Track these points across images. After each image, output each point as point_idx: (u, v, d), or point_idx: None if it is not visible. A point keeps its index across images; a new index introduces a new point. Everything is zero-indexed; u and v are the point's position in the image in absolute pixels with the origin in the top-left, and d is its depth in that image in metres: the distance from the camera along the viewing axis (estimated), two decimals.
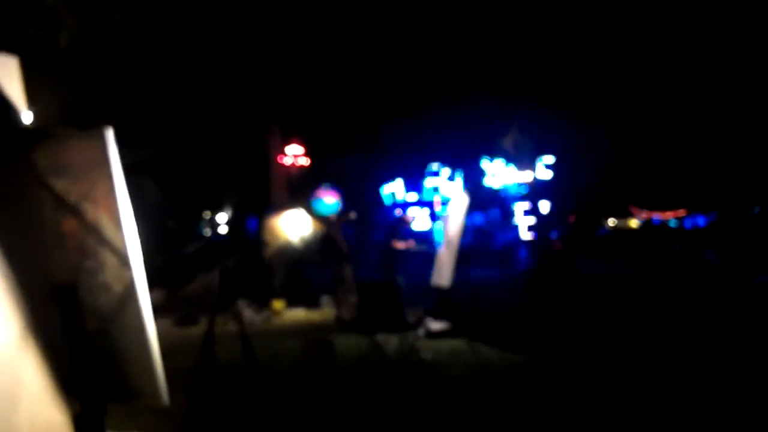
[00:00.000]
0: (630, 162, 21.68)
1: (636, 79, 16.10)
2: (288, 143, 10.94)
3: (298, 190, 10.73)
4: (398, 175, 18.23)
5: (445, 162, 16.83)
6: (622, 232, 34.94)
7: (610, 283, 11.87)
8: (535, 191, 13.88)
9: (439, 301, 8.04)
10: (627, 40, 14.90)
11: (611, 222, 37.56)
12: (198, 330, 9.21)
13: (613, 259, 18.22)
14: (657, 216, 33.55)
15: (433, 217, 17.63)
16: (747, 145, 21.10)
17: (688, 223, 31.46)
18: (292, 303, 10.19)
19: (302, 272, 10.49)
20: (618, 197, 29.10)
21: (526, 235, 14.63)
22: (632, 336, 7.22)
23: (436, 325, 7.53)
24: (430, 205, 18.31)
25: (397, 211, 8.02)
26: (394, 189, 18.71)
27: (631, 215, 35.95)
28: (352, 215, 8.46)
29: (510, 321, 8.22)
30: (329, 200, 10.29)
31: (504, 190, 16.23)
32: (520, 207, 16.19)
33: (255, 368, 4.26)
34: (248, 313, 9.57)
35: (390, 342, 6.41)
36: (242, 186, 12.17)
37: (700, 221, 30.29)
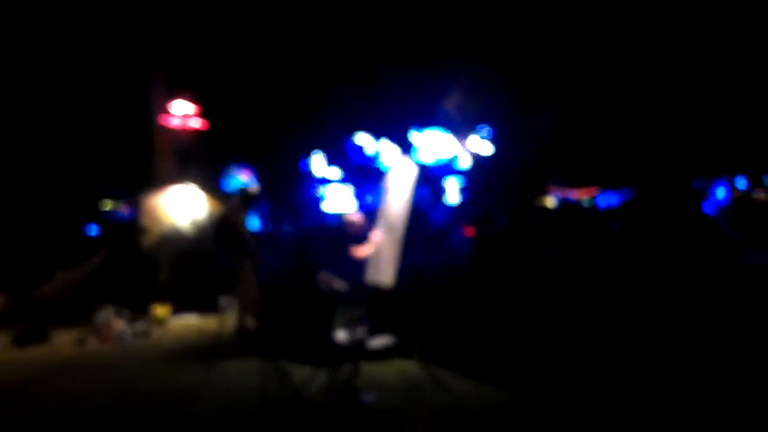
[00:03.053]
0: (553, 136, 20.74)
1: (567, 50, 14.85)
2: (175, 99, 8.38)
3: (189, 159, 8.24)
4: (317, 147, 15.92)
5: (371, 132, 14.72)
6: (541, 211, 34.60)
7: (572, 270, 10.38)
8: (475, 165, 12.09)
9: (377, 306, 6.02)
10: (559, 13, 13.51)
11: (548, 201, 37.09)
12: (45, 351, 6.65)
13: (551, 241, 17.08)
14: (571, 194, 33.44)
15: (359, 195, 15.63)
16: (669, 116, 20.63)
17: (601, 202, 31.51)
18: (181, 307, 7.79)
19: (195, 267, 8.07)
20: (537, 174, 28.40)
21: (464, 216, 12.89)
22: (637, 347, 5.55)
23: (377, 342, 5.51)
24: (353, 181, 16.19)
25: (353, 217, 5.79)
26: (313, 163, 16.38)
27: (546, 193, 35.70)
28: (253, 189, 6.22)
29: (471, 327, 6.34)
30: (243, 178, 8.21)
31: (437, 164, 14.40)
32: (455, 183, 14.45)
33: None
34: (118, 324, 7.09)
35: (312, 375, 4.30)
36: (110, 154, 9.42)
37: (612, 199, 30.30)
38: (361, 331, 5.83)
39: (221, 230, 6.55)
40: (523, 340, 5.78)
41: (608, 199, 31.58)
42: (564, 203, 34.29)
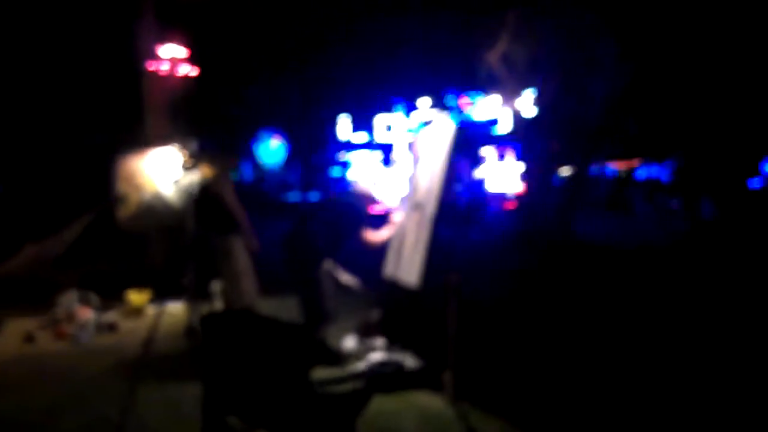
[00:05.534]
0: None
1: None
2: (165, 41, 6.92)
3: (179, 114, 6.82)
4: (343, 110, 14.34)
5: (403, 94, 13.05)
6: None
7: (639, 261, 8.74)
8: (521, 129, 10.36)
9: (396, 313, 4.59)
10: None
11: (566, 171, 34.77)
12: None
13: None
14: (612, 165, 31.30)
15: (387, 162, 14.10)
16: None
17: (643, 174, 29.26)
18: (164, 293, 6.50)
19: (182, 245, 6.75)
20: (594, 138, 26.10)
21: (513, 187, 11.22)
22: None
23: (410, 362, 4.12)
24: (382, 147, 14.62)
25: (364, 188, 4.32)
26: (338, 127, 14.86)
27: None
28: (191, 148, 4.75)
29: (530, 347, 4.83)
30: (274, 144, 6.80)
31: (476, 128, 12.71)
32: (495, 151, 12.76)
33: None
34: (84, 314, 5.87)
35: None
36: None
37: (656, 171, 27.98)
38: (377, 345, 4.44)
39: (201, 203, 5.18)
40: (614, 371, 4.24)
41: (651, 172, 29.16)
42: (603, 175, 31.75)
